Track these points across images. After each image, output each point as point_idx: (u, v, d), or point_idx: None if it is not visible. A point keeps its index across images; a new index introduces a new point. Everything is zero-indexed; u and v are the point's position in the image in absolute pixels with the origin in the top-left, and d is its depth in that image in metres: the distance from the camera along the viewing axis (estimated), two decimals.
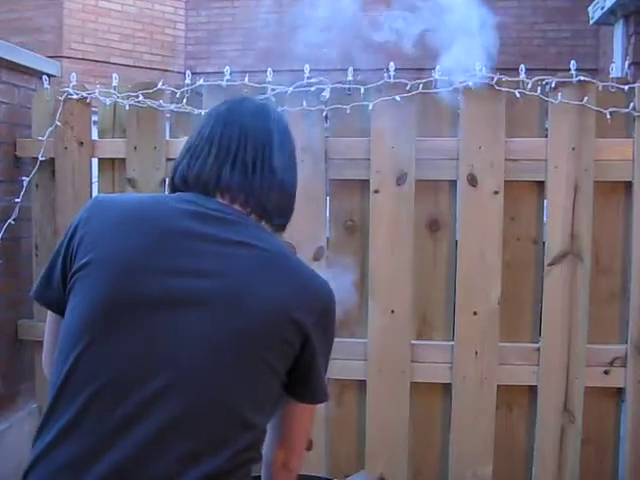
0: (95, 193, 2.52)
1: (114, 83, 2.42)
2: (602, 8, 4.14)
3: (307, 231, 2.24)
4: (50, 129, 2.43)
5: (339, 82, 2.25)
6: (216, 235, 1.09)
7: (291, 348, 1.09)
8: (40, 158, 2.45)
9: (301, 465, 1.26)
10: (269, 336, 1.06)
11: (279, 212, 1.22)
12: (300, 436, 1.23)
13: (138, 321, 1.03)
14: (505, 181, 2.18)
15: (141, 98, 2.36)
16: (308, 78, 2.24)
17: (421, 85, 2.21)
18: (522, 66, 2.18)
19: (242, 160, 1.17)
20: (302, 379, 1.14)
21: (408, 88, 2.21)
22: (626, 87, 2.14)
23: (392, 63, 2.21)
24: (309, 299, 1.12)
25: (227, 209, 1.14)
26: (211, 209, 1.13)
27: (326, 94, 2.24)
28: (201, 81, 2.35)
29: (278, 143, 1.21)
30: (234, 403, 1.03)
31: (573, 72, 2.15)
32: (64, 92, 2.43)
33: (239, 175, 1.16)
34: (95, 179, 2.51)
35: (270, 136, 1.21)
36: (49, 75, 2.59)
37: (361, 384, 2.28)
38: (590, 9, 4.45)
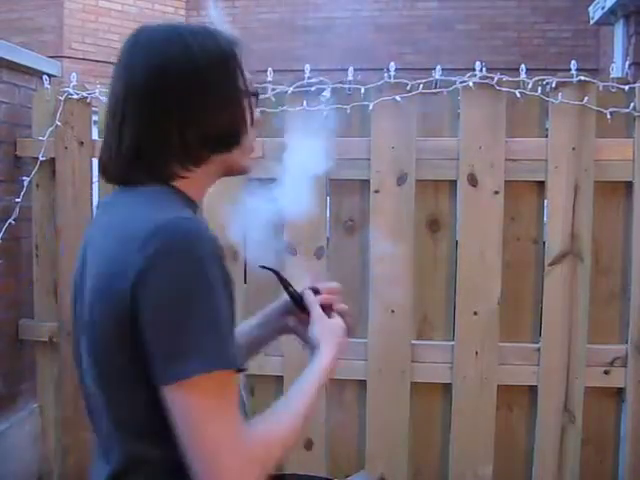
0: (95, 193, 2.52)
1: None
2: (602, 8, 4.13)
3: (307, 231, 2.25)
4: (50, 129, 2.44)
5: (339, 82, 2.25)
6: (93, 237, 1.02)
7: (123, 330, 0.91)
8: (40, 158, 2.45)
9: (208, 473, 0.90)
10: (105, 335, 0.93)
11: (195, 149, 1.01)
12: (184, 435, 0.89)
13: (79, 347, 1.04)
14: (505, 181, 2.18)
15: None
16: (308, 78, 2.24)
17: (421, 85, 2.21)
18: (522, 66, 2.18)
19: (122, 120, 0.99)
20: (151, 354, 0.90)
21: (408, 88, 2.21)
22: (626, 87, 2.14)
23: (392, 63, 2.21)
24: (130, 260, 0.89)
25: (115, 195, 1.04)
26: (104, 202, 1.07)
27: (326, 94, 2.24)
28: None
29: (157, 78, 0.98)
30: (111, 418, 0.99)
31: (573, 72, 2.15)
32: (64, 92, 2.43)
33: (120, 143, 1.00)
34: (95, 179, 2.51)
35: (147, 71, 0.99)
36: (49, 75, 2.59)
37: (361, 384, 2.28)
38: (590, 9, 4.44)
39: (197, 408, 0.88)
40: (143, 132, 0.99)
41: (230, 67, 1.04)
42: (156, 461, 0.96)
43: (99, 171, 1.07)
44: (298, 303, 1.21)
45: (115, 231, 0.96)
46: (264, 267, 1.21)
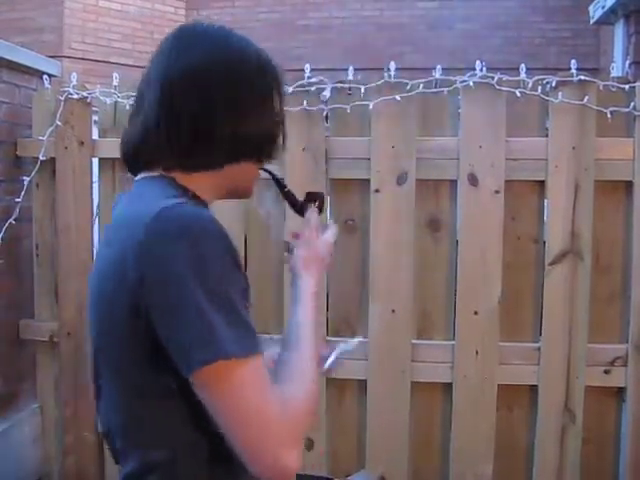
0: (95, 193, 2.52)
1: (115, 83, 2.42)
2: (603, 7, 4.13)
3: None
4: (51, 129, 2.44)
5: (339, 82, 2.25)
6: (106, 232, 1.05)
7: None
8: (41, 158, 2.45)
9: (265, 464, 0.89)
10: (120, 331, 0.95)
11: (193, 152, 1.01)
12: (226, 419, 0.88)
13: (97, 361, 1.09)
14: (506, 180, 2.18)
15: None
16: (308, 78, 2.24)
17: (421, 85, 2.20)
18: (522, 65, 2.18)
19: (144, 111, 1.02)
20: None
21: (408, 88, 2.20)
22: (627, 86, 2.14)
23: (392, 63, 2.21)
24: (139, 256, 0.89)
25: (133, 189, 1.04)
26: (121, 197, 1.08)
27: (326, 94, 2.24)
28: None
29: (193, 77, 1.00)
30: (128, 434, 1.03)
31: (574, 71, 2.15)
32: (65, 92, 2.43)
33: (139, 130, 1.02)
34: (95, 179, 2.51)
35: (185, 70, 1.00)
36: (50, 75, 2.59)
37: (361, 384, 2.28)
38: (591, 8, 4.44)
39: (234, 388, 0.87)
40: (186, 117, 0.99)
41: (274, 84, 1.06)
42: (170, 465, 0.97)
43: (124, 156, 1.06)
44: (294, 207, 1.18)
45: (127, 220, 0.95)
46: (264, 170, 1.13)
